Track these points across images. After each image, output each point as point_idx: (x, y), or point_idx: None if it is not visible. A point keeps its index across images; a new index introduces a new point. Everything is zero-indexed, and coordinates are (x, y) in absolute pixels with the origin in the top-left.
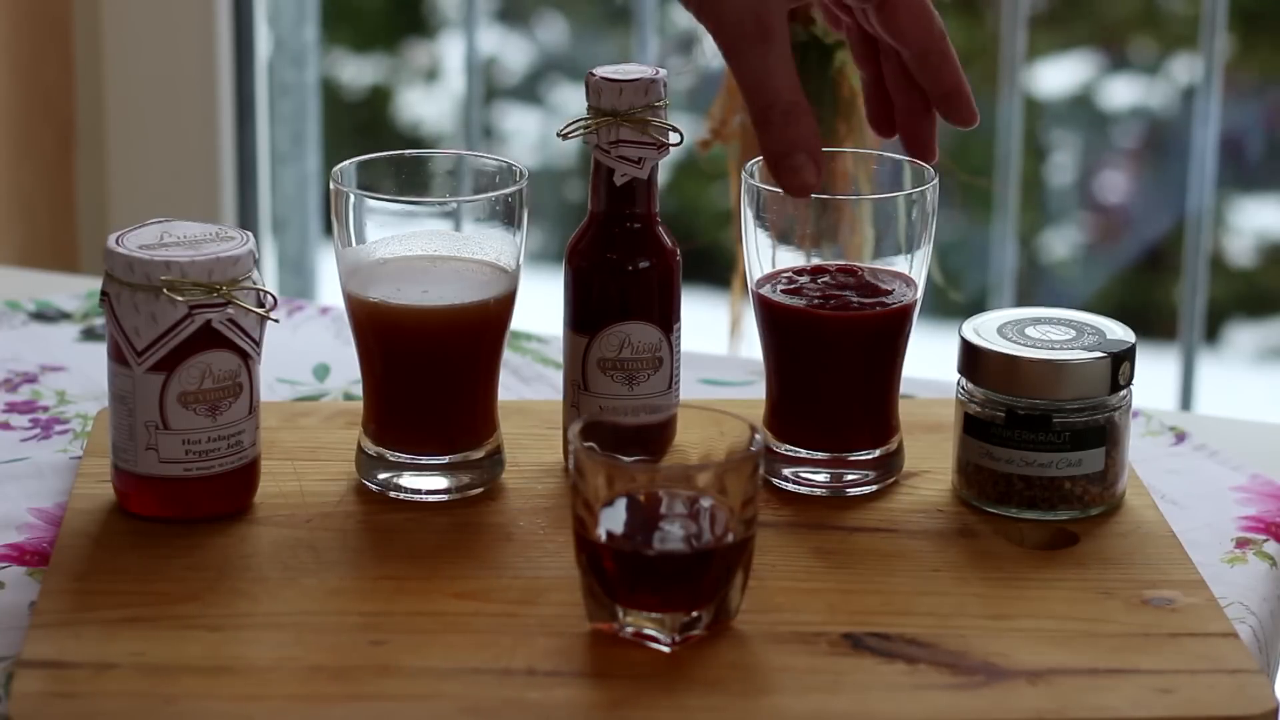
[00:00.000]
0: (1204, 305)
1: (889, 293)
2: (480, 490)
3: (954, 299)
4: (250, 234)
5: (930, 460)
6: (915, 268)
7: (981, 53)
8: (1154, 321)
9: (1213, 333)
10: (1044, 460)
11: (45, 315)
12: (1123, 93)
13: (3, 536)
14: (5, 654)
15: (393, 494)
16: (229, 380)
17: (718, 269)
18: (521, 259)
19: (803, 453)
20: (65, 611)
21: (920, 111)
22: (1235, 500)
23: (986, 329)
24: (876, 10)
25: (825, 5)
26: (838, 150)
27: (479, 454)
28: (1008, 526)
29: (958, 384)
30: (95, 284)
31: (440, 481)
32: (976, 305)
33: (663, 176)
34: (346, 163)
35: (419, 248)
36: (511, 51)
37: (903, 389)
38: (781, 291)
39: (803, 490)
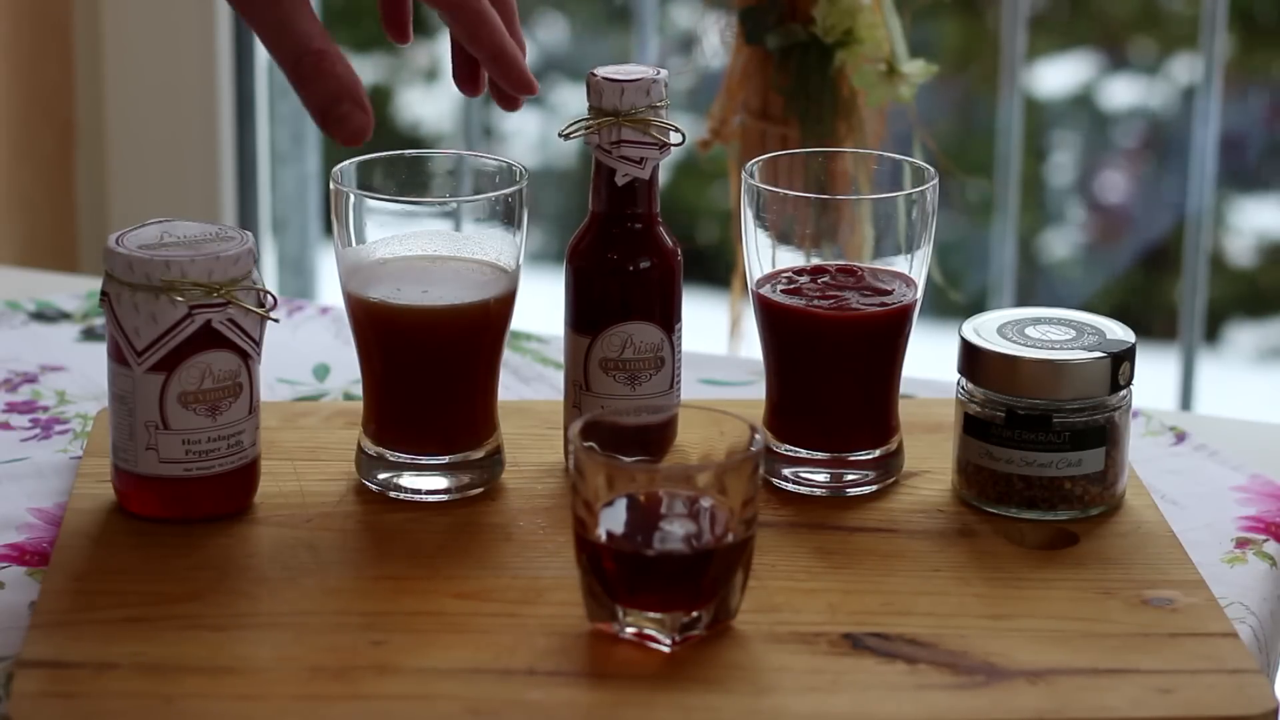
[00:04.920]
0: (1204, 305)
1: (889, 293)
2: (480, 490)
3: (954, 299)
4: (250, 234)
5: (930, 460)
6: (915, 268)
7: (981, 53)
8: (1154, 321)
9: (1213, 333)
10: (1044, 460)
11: (45, 315)
12: (1123, 93)
13: (3, 536)
14: (5, 654)
15: (393, 494)
16: (229, 380)
17: (718, 269)
18: (521, 259)
19: (803, 453)
20: (65, 611)
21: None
22: (1235, 500)
23: (986, 329)
24: None
25: None
26: (838, 150)
27: (479, 454)
28: (1008, 526)
29: (958, 384)
30: (95, 284)
31: (440, 481)
32: (976, 305)
33: (663, 176)
34: (346, 163)
35: (419, 248)
36: None
37: (903, 389)
38: (781, 291)
39: (803, 490)
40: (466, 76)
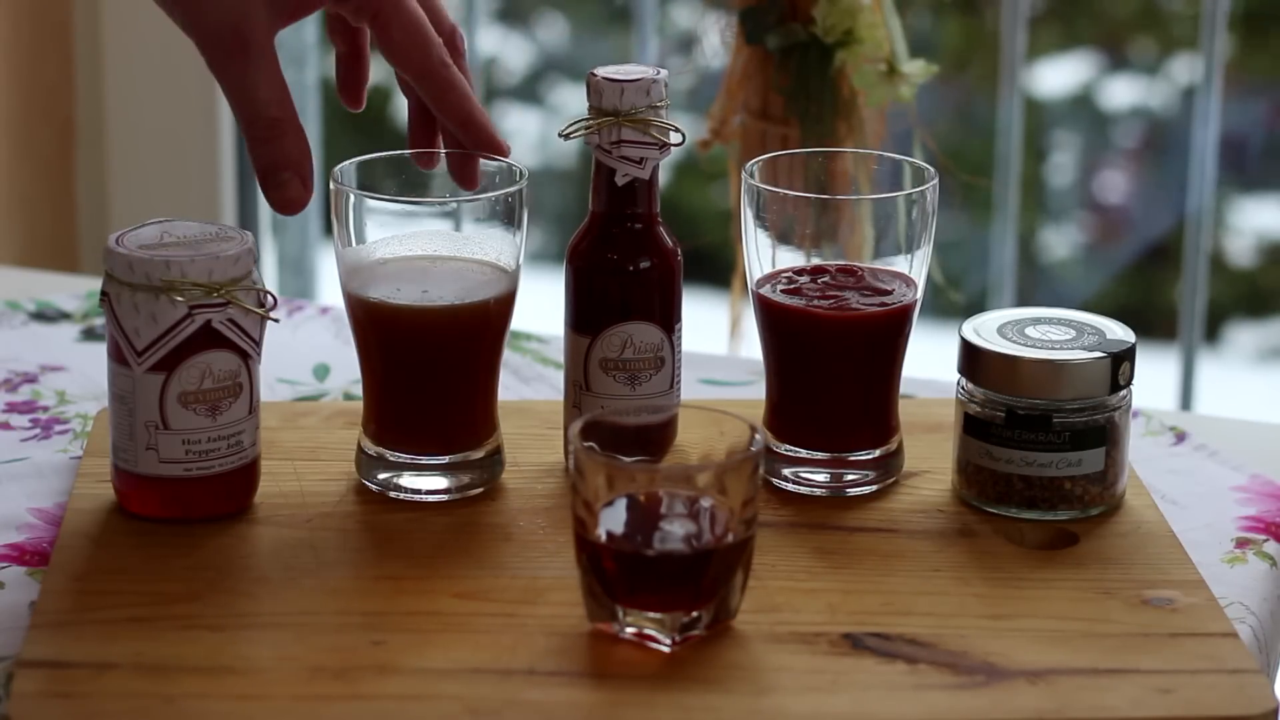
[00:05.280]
0: (1204, 305)
1: (889, 293)
2: (480, 490)
3: (954, 299)
4: (250, 234)
5: (930, 460)
6: (915, 268)
7: (981, 53)
8: (1154, 321)
9: (1213, 333)
10: (1044, 460)
11: (45, 315)
12: (1123, 93)
13: (3, 536)
14: (5, 654)
15: (393, 494)
16: (229, 380)
17: (718, 269)
18: (521, 259)
19: (803, 453)
20: (65, 611)
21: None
22: (1235, 500)
23: (986, 329)
24: (370, 24)
25: (331, 18)
26: (838, 150)
27: (479, 454)
28: (1008, 526)
29: (958, 384)
30: (95, 284)
31: (440, 481)
32: (976, 305)
33: (663, 176)
34: (346, 163)
35: (419, 248)
36: (511, 51)
37: (903, 389)
38: (781, 291)
39: (803, 490)
40: (422, 145)
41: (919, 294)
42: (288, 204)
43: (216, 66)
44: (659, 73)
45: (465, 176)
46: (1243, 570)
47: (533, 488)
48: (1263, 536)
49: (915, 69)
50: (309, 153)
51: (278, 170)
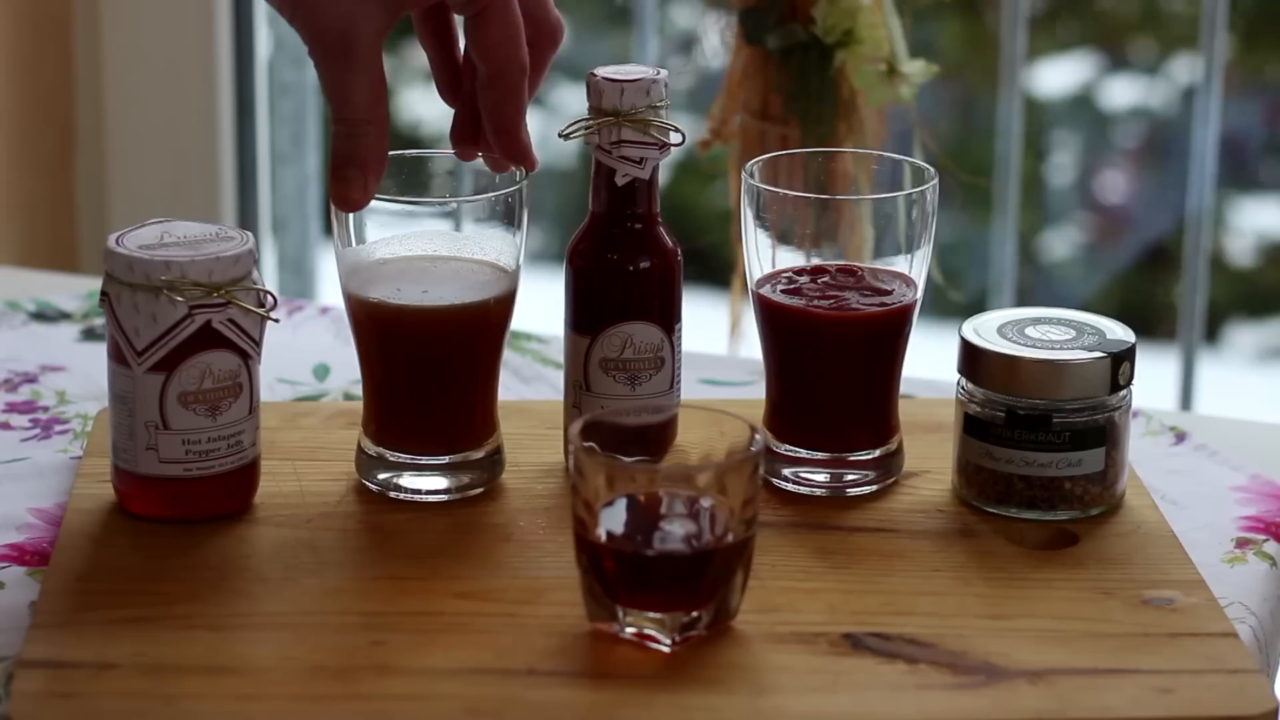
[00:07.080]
0: (1204, 305)
1: (889, 293)
2: (480, 490)
3: (954, 299)
4: (250, 234)
5: (930, 460)
6: (915, 268)
7: (981, 53)
8: (1154, 321)
9: (1213, 333)
10: (1044, 460)
11: (45, 315)
12: (1123, 93)
13: (3, 536)
14: (5, 654)
15: (393, 494)
16: (229, 380)
17: (718, 269)
18: (521, 259)
19: (803, 453)
20: (65, 611)
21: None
22: (1235, 500)
23: (986, 329)
24: (473, 17)
25: (420, 21)
26: (838, 150)
27: (479, 454)
28: (1008, 526)
29: (958, 384)
30: (95, 284)
31: (440, 481)
32: (976, 305)
33: (662, 176)
34: None
35: (419, 248)
36: None
37: (903, 389)
38: (781, 291)
39: (803, 490)
40: (468, 139)
41: (919, 294)
42: (346, 201)
43: (319, 65)
44: (659, 73)
45: (496, 164)
46: (1243, 570)
47: (533, 488)
48: (1263, 536)
49: (915, 69)
50: (384, 159)
51: (348, 165)
